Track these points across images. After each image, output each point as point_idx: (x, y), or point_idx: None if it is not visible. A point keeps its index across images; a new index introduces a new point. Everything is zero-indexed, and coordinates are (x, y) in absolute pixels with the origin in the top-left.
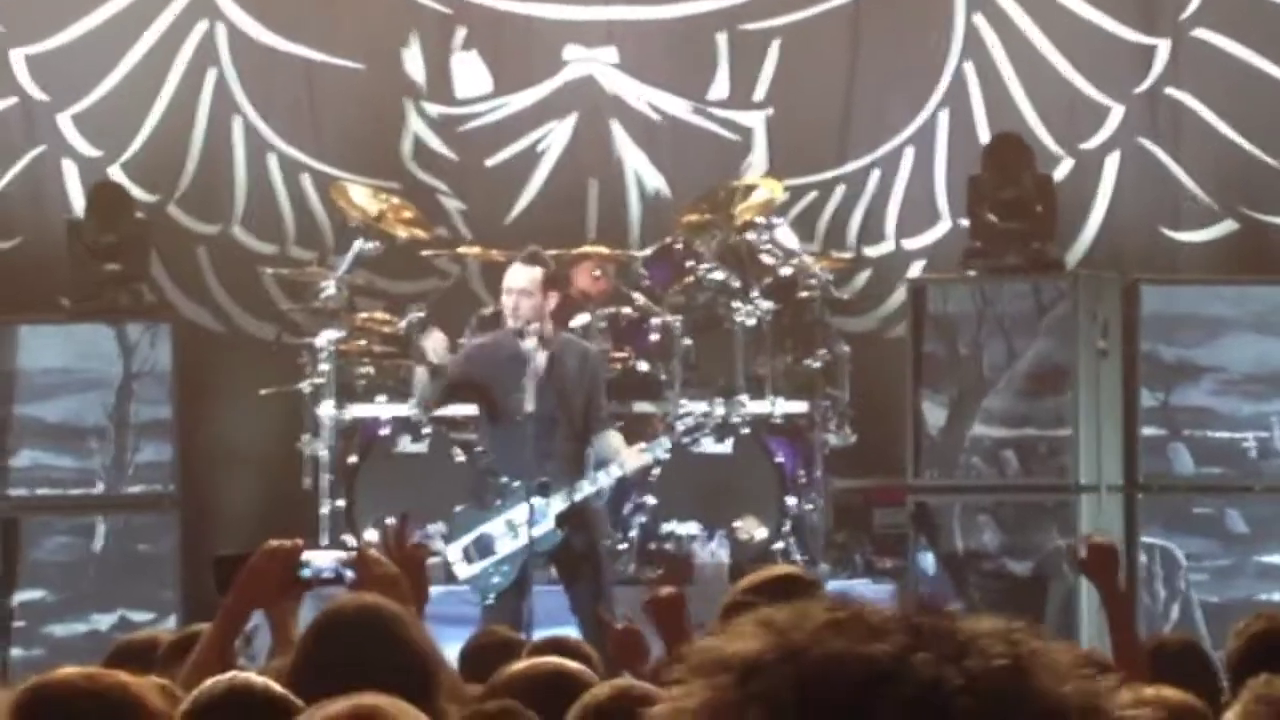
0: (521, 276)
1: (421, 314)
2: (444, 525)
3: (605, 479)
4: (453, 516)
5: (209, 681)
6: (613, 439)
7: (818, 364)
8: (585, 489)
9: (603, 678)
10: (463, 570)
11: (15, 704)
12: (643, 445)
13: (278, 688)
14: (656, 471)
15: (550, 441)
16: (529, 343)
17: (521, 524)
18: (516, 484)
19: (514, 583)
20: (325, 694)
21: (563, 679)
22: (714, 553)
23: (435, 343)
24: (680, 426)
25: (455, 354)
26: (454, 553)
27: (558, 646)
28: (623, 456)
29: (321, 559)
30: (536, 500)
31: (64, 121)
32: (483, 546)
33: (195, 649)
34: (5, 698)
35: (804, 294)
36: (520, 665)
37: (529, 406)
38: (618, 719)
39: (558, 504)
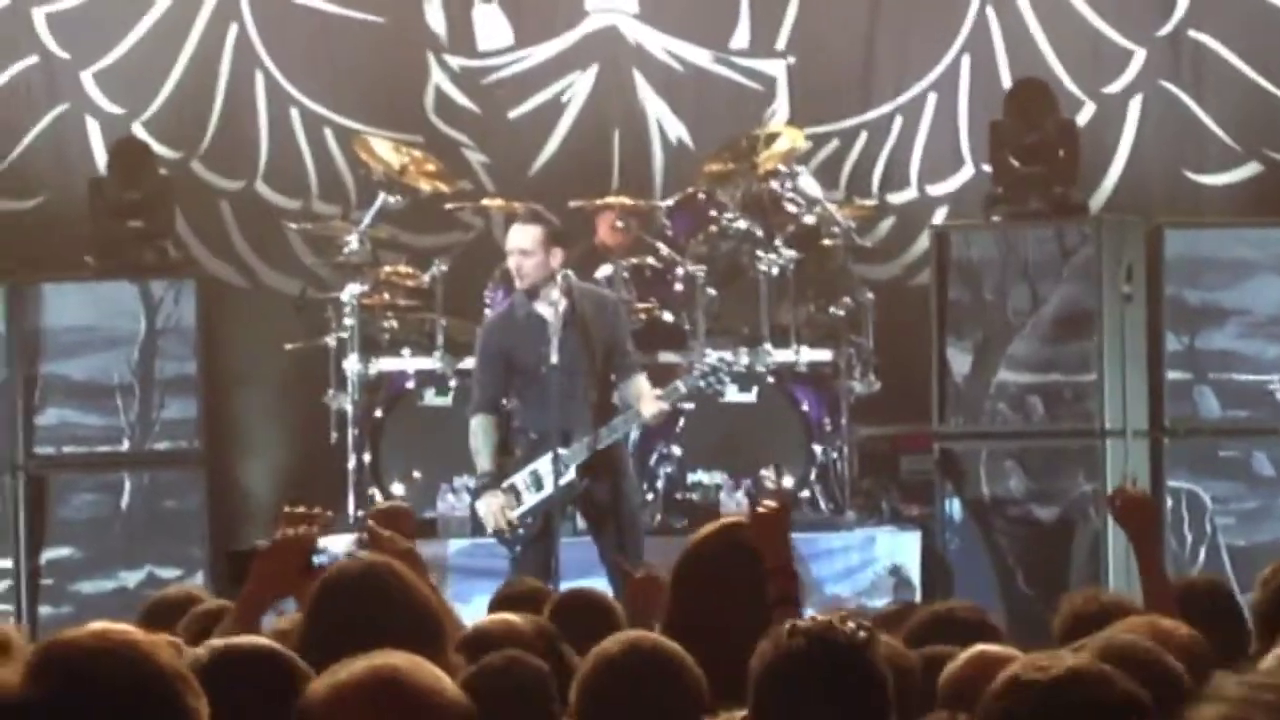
0: (521, 236)
1: (445, 268)
2: (471, 479)
3: (623, 425)
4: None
5: (222, 641)
6: (638, 385)
7: (842, 312)
8: (604, 436)
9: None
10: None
11: (27, 666)
12: (658, 392)
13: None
14: (682, 422)
15: (575, 392)
16: (549, 297)
17: (546, 474)
18: (539, 436)
19: (540, 533)
20: (334, 654)
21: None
22: (740, 502)
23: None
24: (696, 370)
25: (478, 335)
26: (479, 503)
27: (580, 600)
28: (640, 404)
29: (336, 544)
30: (560, 450)
31: (86, 79)
32: (509, 498)
33: (217, 630)
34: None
35: (827, 242)
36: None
37: (553, 359)
38: (629, 672)
39: (580, 452)
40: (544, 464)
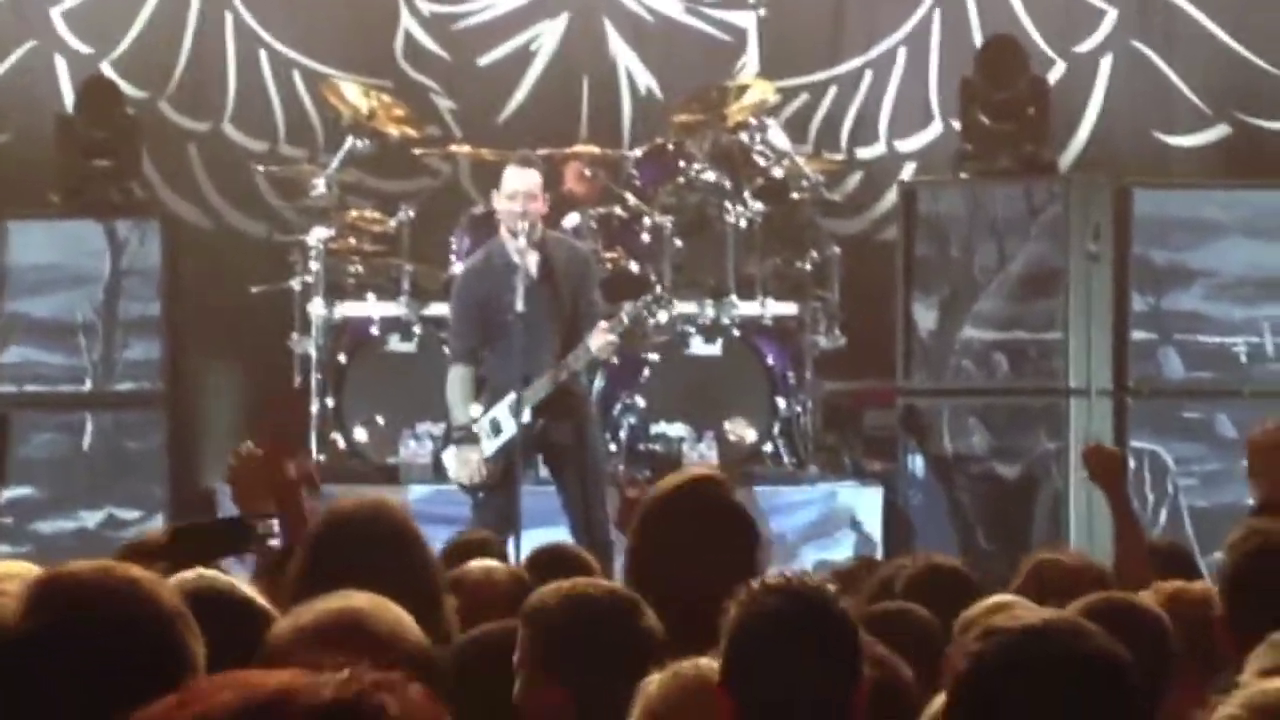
0: (526, 179)
1: (411, 213)
2: (434, 426)
3: (574, 361)
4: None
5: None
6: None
7: (808, 266)
8: (559, 373)
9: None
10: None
11: (28, 596)
12: (605, 324)
13: (246, 590)
14: (646, 373)
15: (540, 342)
16: (518, 244)
17: (505, 419)
18: (501, 385)
19: (501, 481)
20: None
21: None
22: (702, 454)
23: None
24: (640, 301)
25: (454, 288)
26: (448, 454)
27: (557, 555)
28: (589, 338)
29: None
30: (517, 393)
31: (55, 16)
32: (474, 439)
33: None
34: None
35: (795, 196)
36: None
37: (518, 306)
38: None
39: (538, 391)
40: (502, 409)
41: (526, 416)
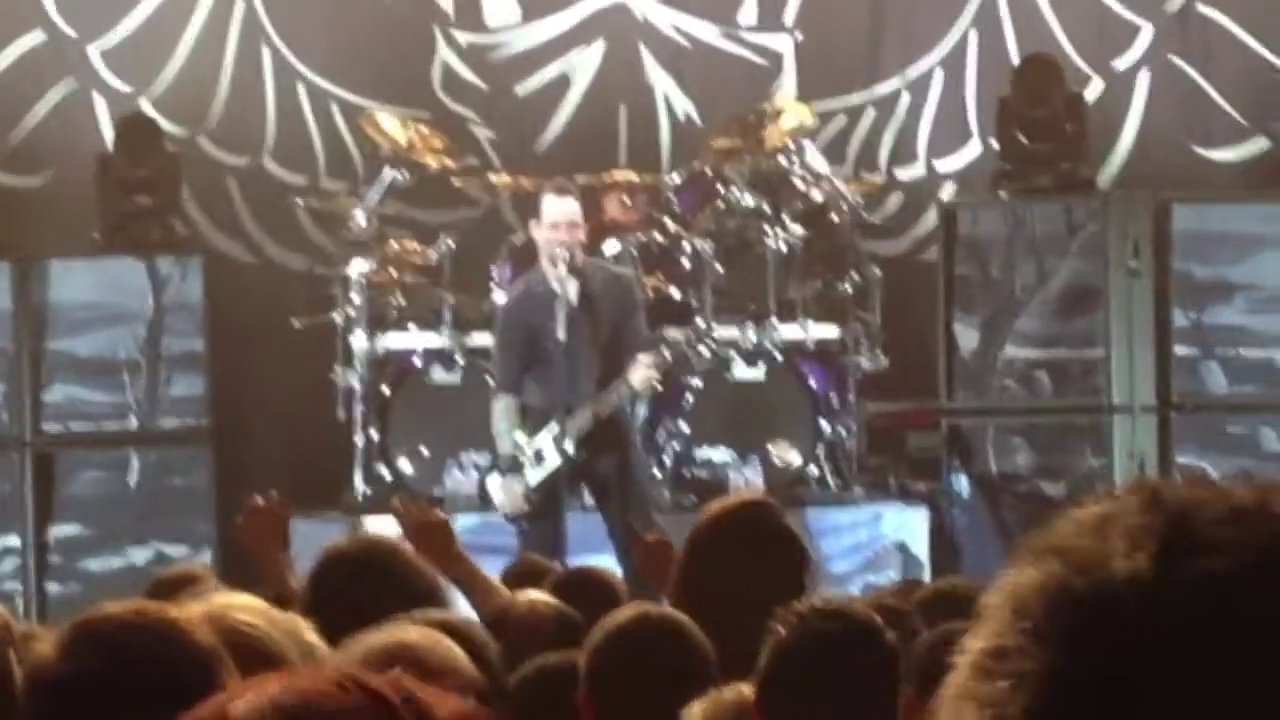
0: (569, 209)
1: (452, 244)
2: (477, 455)
3: (614, 393)
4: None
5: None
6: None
7: (849, 288)
8: (600, 405)
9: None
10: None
11: (62, 642)
12: (645, 359)
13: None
14: (690, 399)
15: (579, 369)
16: (559, 272)
17: (548, 449)
18: (543, 414)
19: (546, 509)
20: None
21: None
22: (747, 478)
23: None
24: (682, 336)
25: (497, 314)
26: (493, 483)
27: (582, 579)
28: (630, 373)
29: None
30: (560, 423)
31: (94, 55)
32: (520, 468)
33: None
34: (50, 635)
35: (835, 218)
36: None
37: (560, 335)
38: (638, 641)
39: (580, 423)
40: (545, 439)
41: (570, 448)
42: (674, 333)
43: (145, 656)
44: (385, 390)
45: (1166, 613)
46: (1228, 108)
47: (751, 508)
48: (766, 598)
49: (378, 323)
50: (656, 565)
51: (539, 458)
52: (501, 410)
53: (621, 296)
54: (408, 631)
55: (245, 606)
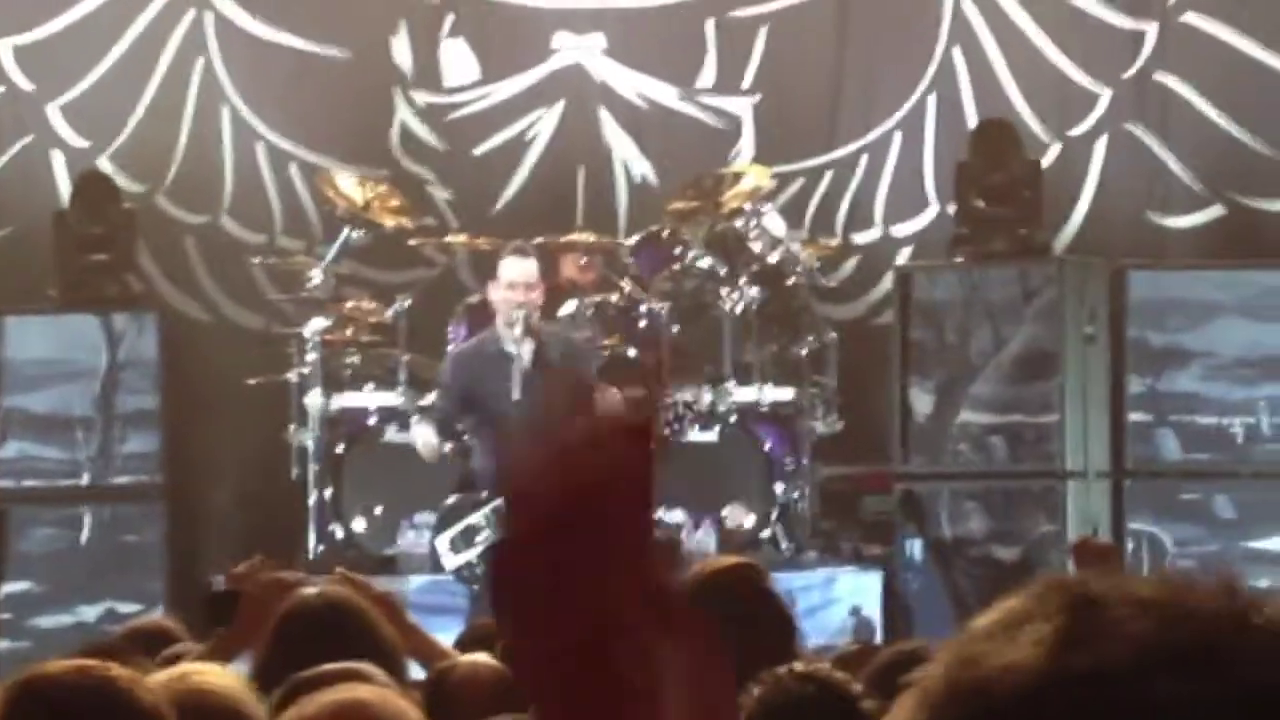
0: (523, 269)
1: (408, 303)
2: (432, 515)
3: None
4: (445, 508)
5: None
6: None
7: (805, 351)
8: None
9: None
10: (450, 561)
11: (6, 699)
12: None
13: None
14: None
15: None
16: (514, 334)
17: (484, 528)
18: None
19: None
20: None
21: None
22: (700, 541)
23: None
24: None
25: (441, 368)
26: (442, 544)
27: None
28: None
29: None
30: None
31: (52, 112)
32: (468, 537)
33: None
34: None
35: (791, 281)
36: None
37: (515, 395)
38: None
39: None
40: (479, 518)
41: None
42: (633, 394)
43: (87, 714)
44: (339, 449)
45: (1051, 706)
46: (1184, 175)
47: (740, 569)
48: (754, 659)
49: (333, 382)
50: None
51: (469, 538)
52: (418, 434)
53: (574, 362)
54: (360, 690)
55: (215, 671)
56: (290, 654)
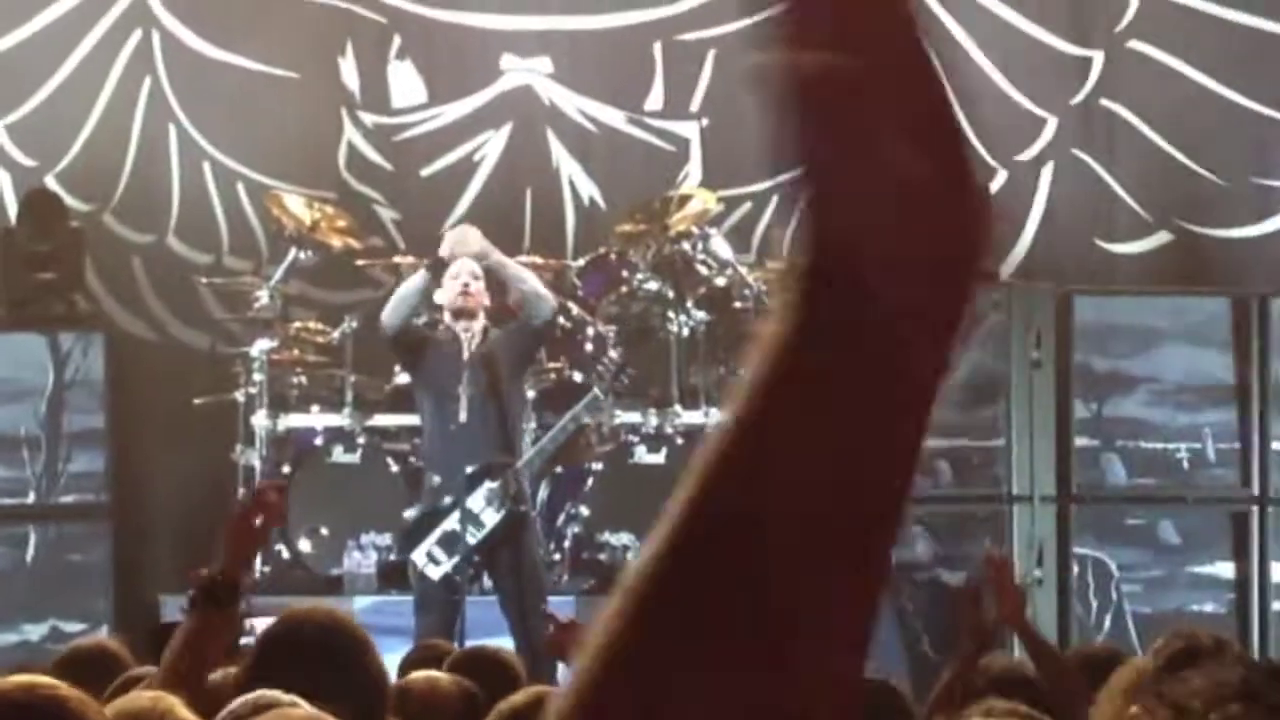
0: (470, 264)
1: (355, 324)
2: (377, 536)
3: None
4: (409, 523)
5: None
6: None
7: None
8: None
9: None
10: (435, 571)
11: None
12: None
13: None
14: (590, 482)
15: (486, 429)
16: (467, 329)
17: (483, 509)
18: (452, 479)
19: (447, 591)
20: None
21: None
22: None
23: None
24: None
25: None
26: (420, 558)
27: (478, 658)
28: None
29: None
30: (489, 484)
31: None
32: (449, 543)
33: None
34: None
35: (738, 305)
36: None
37: (464, 390)
38: None
39: (531, 465)
40: (475, 501)
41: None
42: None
43: None
44: (286, 469)
45: None
46: (1131, 201)
47: None
48: None
49: (279, 402)
50: (570, 646)
51: (475, 521)
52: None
53: (508, 337)
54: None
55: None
56: (275, 668)
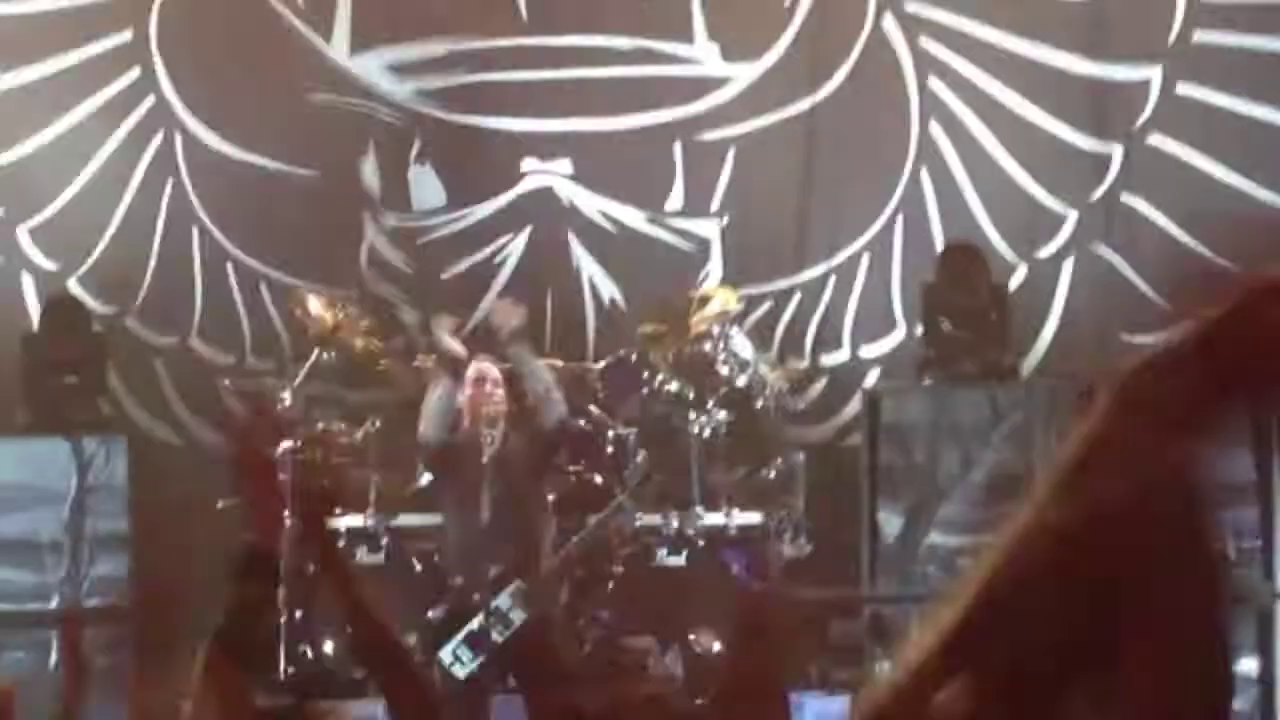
0: (489, 370)
1: (377, 424)
2: (414, 637)
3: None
4: (433, 622)
5: None
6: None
7: (773, 474)
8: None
9: None
10: (460, 671)
11: None
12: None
13: None
14: (611, 585)
15: (508, 531)
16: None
17: (509, 610)
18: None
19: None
20: None
21: None
22: (668, 667)
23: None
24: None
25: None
26: (446, 657)
27: None
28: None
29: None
30: (515, 584)
31: (22, 235)
32: (474, 643)
33: None
34: None
35: (759, 404)
36: None
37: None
38: None
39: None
40: (501, 600)
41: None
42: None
43: None
44: (309, 571)
45: None
46: (1152, 294)
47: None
48: None
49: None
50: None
51: (503, 619)
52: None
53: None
54: None
55: None
56: None
